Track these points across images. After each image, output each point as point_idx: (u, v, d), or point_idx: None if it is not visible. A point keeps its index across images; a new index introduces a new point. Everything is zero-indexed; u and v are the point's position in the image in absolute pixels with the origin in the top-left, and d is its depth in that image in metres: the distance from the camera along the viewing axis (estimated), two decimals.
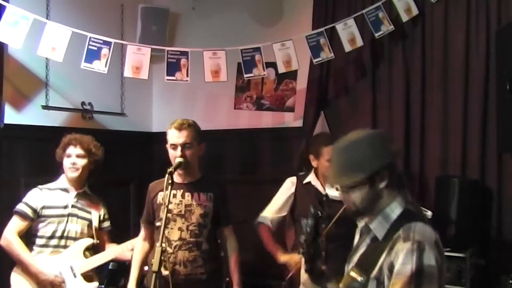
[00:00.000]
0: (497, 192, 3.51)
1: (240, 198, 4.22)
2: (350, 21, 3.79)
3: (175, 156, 2.68)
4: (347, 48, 3.81)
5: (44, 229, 3.09)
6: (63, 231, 3.09)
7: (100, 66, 3.57)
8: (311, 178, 3.22)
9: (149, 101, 5.17)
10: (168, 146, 2.73)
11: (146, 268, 2.90)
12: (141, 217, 2.99)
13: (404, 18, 3.78)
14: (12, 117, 3.77)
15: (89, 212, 3.23)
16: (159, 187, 2.77)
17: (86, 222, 3.20)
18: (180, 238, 2.70)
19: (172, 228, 2.70)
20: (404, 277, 1.51)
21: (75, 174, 3.16)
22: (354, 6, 4.05)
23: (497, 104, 3.35)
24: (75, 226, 3.14)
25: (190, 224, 2.71)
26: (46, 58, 3.80)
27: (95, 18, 4.33)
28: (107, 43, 3.58)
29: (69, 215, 3.13)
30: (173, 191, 2.66)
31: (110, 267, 3.20)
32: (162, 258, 2.48)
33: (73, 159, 3.16)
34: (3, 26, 3.27)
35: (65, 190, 3.19)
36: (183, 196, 2.74)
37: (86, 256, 3.14)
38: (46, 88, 4.08)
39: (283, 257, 3.11)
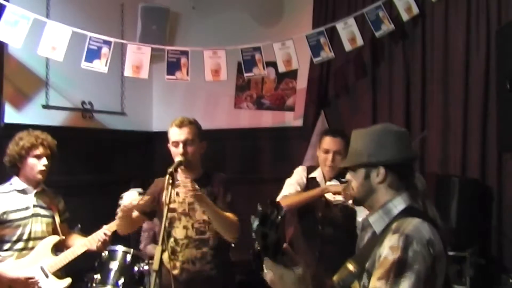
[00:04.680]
0: (497, 192, 3.51)
1: (240, 197, 4.20)
2: (350, 21, 3.80)
3: (177, 153, 2.66)
4: (347, 47, 3.82)
5: (9, 234, 2.93)
6: (30, 233, 2.96)
7: (100, 65, 3.58)
8: (317, 173, 3.15)
9: (149, 100, 5.17)
10: (169, 145, 2.72)
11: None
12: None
13: (405, 17, 3.78)
14: (12, 116, 3.77)
15: (50, 209, 3.10)
16: (163, 184, 2.74)
17: (50, 220, 3.07)
18: (186, 237, 2.68)
19: (177, 227, 2.70)
20: (385, 265, 1.51)
21: (44, 176, 3.00)
22: (354, 5, 4.06)
23: (497, 103, 3.36)
24: (40, 226, 3.01)
25: (194, 222, 2.70)
26: (46, 58, 3.79)
27: (95, 18, 4.32)
28: (107, 43, 3.58)
29: (32, 215, 2.98)
30: (177, 189, 2.64)
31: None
32: (172, 257, 2.57)
33: (44, 161, 2.97)
34: (3, 26, 3.27)
35: (23, 191, 3.01)
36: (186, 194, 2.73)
37: (55, 254, 3.02)
38: (46, 88, 4.08)
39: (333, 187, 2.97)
